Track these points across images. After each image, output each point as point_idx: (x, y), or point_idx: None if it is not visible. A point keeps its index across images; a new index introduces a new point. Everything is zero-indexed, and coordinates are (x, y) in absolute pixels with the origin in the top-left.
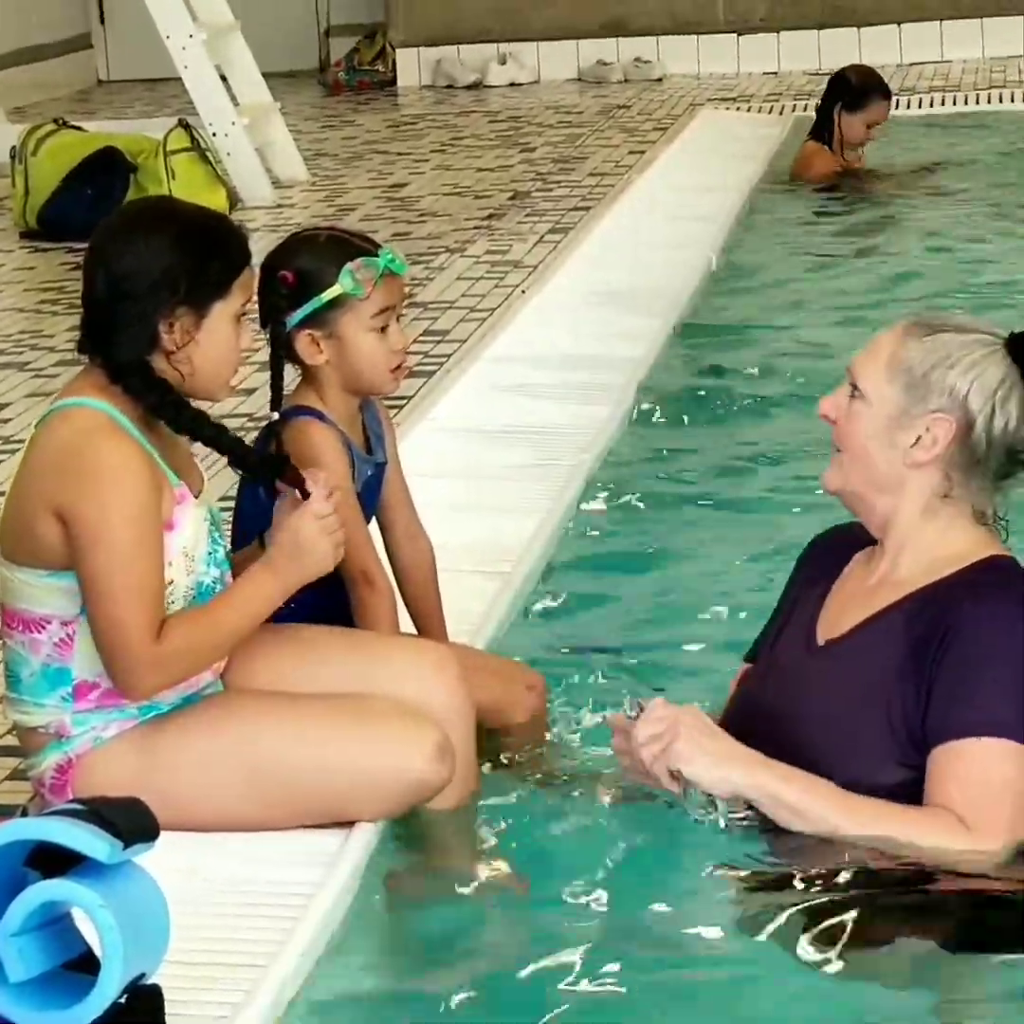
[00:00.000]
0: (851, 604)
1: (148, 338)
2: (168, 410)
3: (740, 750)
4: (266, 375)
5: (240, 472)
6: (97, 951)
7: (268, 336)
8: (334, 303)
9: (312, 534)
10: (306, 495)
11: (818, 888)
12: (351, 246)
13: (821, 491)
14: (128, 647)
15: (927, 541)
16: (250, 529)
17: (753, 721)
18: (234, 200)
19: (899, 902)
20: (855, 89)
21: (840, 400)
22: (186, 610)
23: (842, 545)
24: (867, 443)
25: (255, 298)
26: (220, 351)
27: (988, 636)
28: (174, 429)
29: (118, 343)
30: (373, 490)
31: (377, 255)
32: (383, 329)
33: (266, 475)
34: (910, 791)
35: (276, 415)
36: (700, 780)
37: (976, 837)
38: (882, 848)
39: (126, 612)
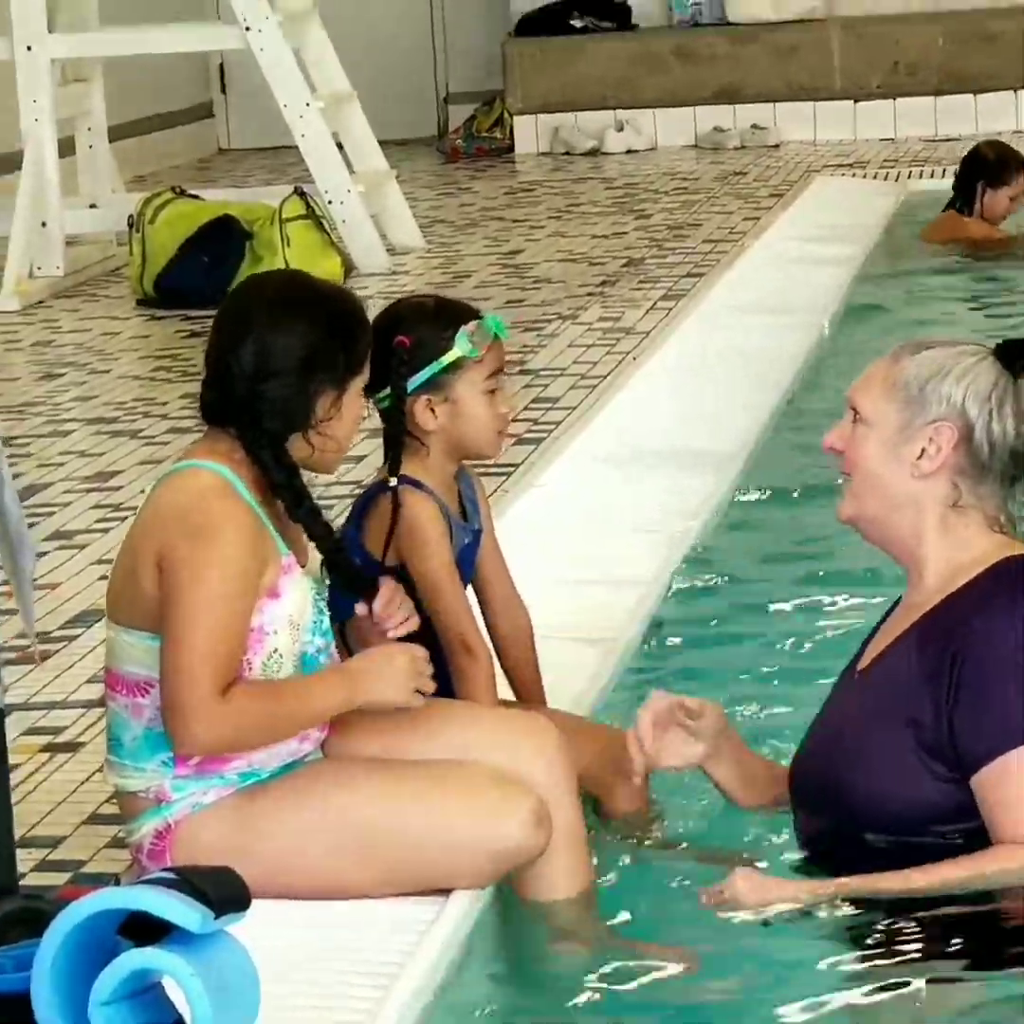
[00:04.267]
0: (887, 630)
1: (303, 414)
2: (289, 494)
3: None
4: (375, 442)
5: (330, 577)
6: (188, 1021)
7: (383, 403)
8: (451, 367)
9: (398, 664)
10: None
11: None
12: (461, 310)
13: None
14: (191, 696)
15: (945, 553)
16: (342, 603)
17: (809, 751)
18: (349, 267)
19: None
20: (994, 164)
21: (843, 430)
22: (261, 682)
23: None
24: (875, 465)
25: None
26: (352, 425)
27: (998, 656)
28: (289, 514)
29: (265, 416)
30: (469, 557)
31: (482, 317)
32: (493, 393)
33: (355, 588)
34: (951, 808)
35: (394, 480)
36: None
37: None
38: (956, 893)
39: (199, 663)
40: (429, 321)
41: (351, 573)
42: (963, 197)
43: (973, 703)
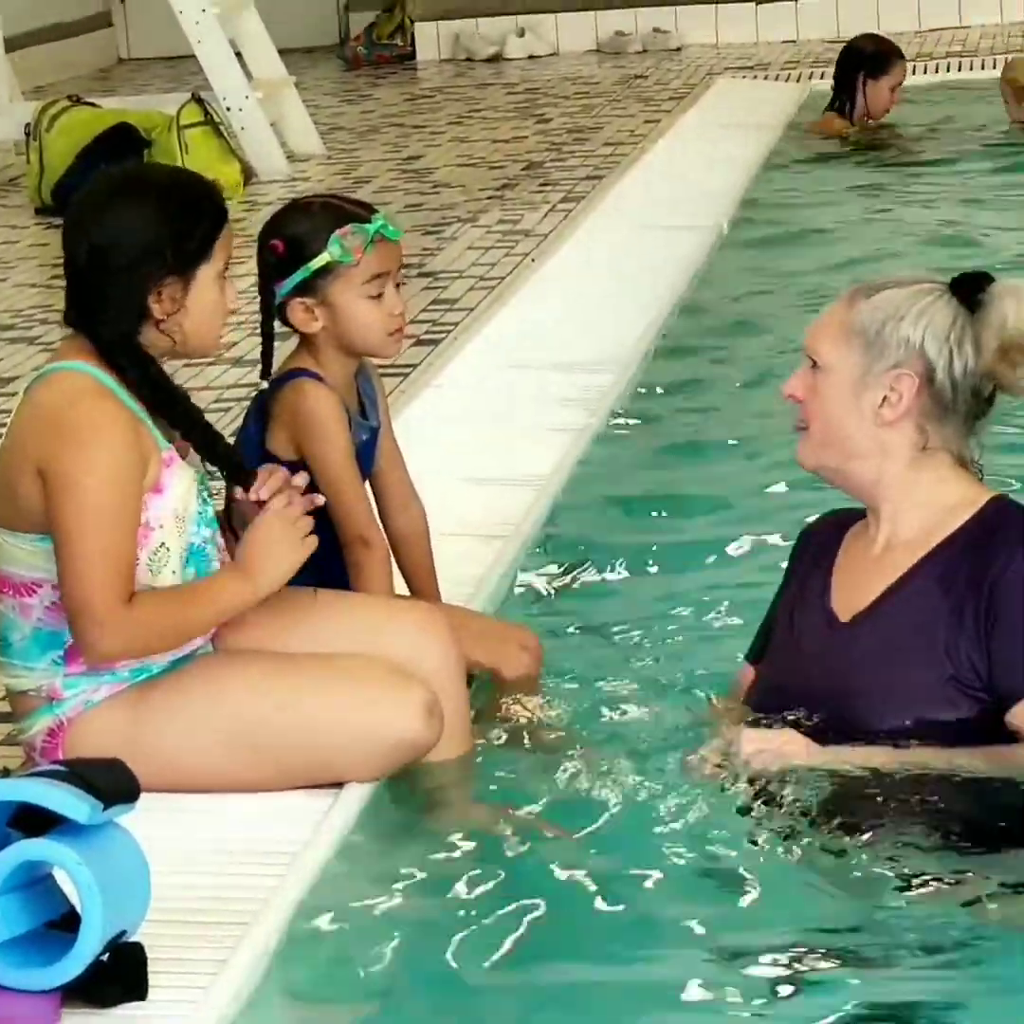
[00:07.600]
0: (863, 577)
1: (137, 312)
2: (147, 388)
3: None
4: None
5: (205, 461)
6: (80, 911)
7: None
8: (324, 271)
9: (276, 534)
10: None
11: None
12: (343, 212)
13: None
14: (93, 607)
15: (922, 495)
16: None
17: (800, 709)
18: (249, 174)
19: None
20: (873, 55)
21: (803, 378)
22: (164, 589)
23: (833, 528)
24: (836, 413)
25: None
26: (207, 313)
27: None
28: (150, 408)
29: (106, 317)
30: (368, 454)
31: (369, 220)
32: (379, 295)
33: (225, 471)
34: (981, 725)
35: (265, 384)
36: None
37: None
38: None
39: (94, 572)
40: (307, 223)
41: (222, 454)
42: (845, 92)
43: (1013, 634)
